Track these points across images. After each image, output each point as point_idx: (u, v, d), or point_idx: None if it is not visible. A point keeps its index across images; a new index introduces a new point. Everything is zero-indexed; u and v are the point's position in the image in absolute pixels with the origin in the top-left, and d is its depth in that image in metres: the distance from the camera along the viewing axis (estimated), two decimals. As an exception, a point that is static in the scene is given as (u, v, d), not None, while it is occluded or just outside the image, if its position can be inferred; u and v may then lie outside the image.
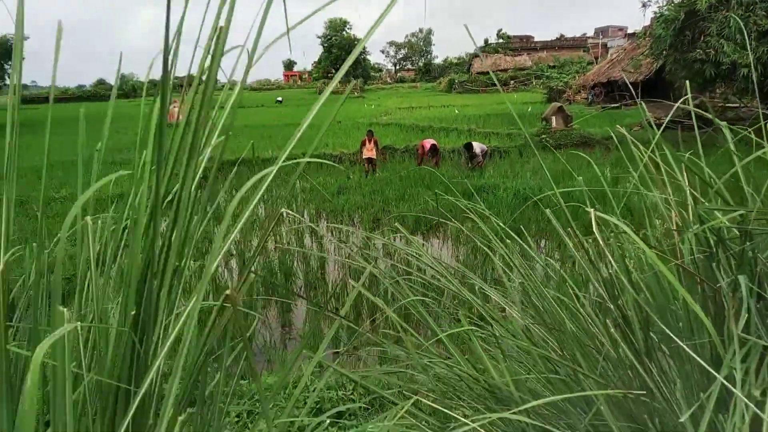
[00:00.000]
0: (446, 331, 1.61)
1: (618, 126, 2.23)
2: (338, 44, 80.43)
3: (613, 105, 30.98)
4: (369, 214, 10.28)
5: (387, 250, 8.38)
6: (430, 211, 9.98)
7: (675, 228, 1.42)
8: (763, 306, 1.13)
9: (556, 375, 1.33)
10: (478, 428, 0.98)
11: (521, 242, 2.35)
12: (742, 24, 14.73)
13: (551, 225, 1.96)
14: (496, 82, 2.12)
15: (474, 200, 10.65)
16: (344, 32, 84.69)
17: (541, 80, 47.12)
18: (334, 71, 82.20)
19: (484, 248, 2.50)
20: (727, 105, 20.75)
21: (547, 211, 1.97)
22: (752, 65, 14.39)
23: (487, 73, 62.23)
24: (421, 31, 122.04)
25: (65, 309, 0.90)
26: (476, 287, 2.42)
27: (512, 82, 58.20)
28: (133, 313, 0.96)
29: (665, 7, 16.56)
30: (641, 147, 1.66)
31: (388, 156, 16.70)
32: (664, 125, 1.67)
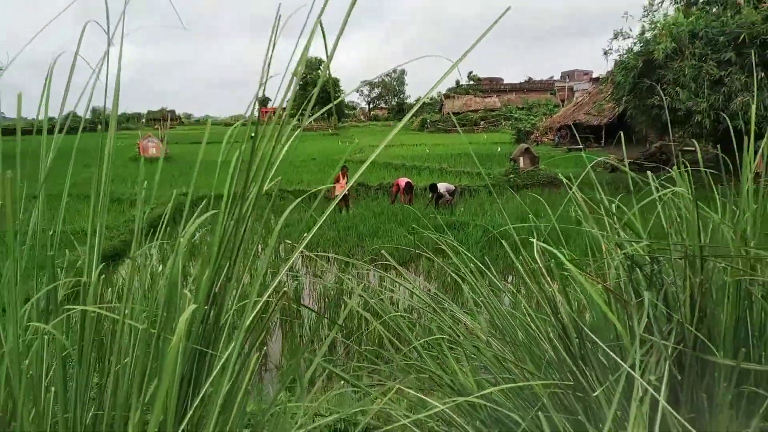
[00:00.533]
0: (421, 341, 1.89)
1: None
2: (313, 82, 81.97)
3: (577, 147, 32.18)
4: (343, 250, 10.53)
5: (361, 283, 8.62)
6: (404, 247, 10.29)
7: (605, 257, 1.74)
8: (665, 313, 1.44)
9: (509, 376, 1.61)
10: (447, 410, 1.25)
11: (489, 274, 2.64)
12: (695, 73, 15.75)
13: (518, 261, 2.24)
14: (456, 125, 2.44)
15: (445, 236, 11.04)
16: (319, 70, 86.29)
17: (510, 121, 48.57)
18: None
19: (456, 278, 2.77)
20: (684, 149, 21.85)
21: (504, 243, 2.28)
22: (706, 112, 15.34)
23: (458, 113, 63.86)
24: (395, 71, 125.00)
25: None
26: (447, 312, 2.70)
27: (482, 122, 59.76)
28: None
29: (625, 56, 17.59)
30: (577, 191, 1.99)
31: (362, 193, 17.07)
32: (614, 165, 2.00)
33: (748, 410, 1.33)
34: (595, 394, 1.28)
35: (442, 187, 14.74)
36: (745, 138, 1.78)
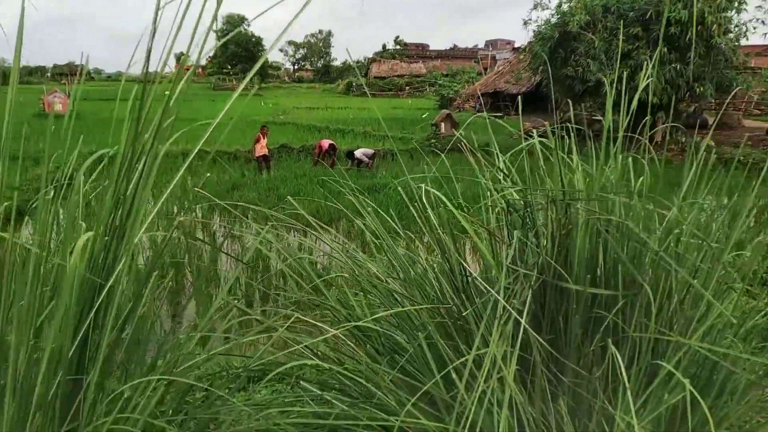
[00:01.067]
0: (321, 279, 2.03)
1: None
2: (235, 40, 78.55)
3: (496, 114, 33.10)
4: (263, 210, 10.47)
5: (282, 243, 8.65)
6: (325, 202, 10.37)
7: (489, 204, 1.93)
8: (534, 249, 1.65)
9: (401, 308, 1.79)
10: (340, 334, 1.39)
11: (398, 228, 2.78)
12: (606, 46, 16.58)
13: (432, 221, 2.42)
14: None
15: (366, 198, 11.18)
16: (242, 29, 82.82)
17: (434, 87, 49.08)
18: (229, 66, 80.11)
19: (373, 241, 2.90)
20: (594, 117, 23.07)
21: (412, 206, 2.42)
22: (613, 83, 16.22)
23: (385, 77, 63.70)
24: (320, 32, 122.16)
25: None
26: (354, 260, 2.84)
27: (407, 87, 60.04)
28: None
29: (543, 27, 18.19)
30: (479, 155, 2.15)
31: (285, 155, 16.87)
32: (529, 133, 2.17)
33: (595, 330, 1.57)
34: (464, 314, 1.46)
35: (359, 152, 14.84)
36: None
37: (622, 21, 16.69)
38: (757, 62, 23.81)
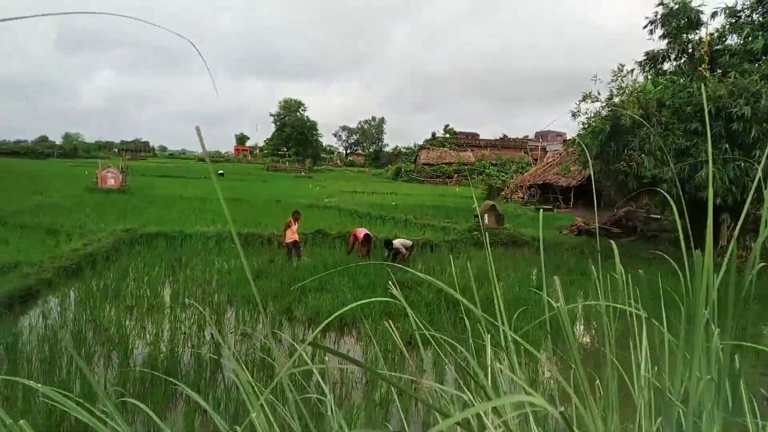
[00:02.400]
0: None
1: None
2: (291, 124, 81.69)
3: (546, 207, 32.09)
4: (283, 304, 9.66)
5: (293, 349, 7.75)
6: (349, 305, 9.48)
7: None
8: None
9: None
10: None
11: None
12: (661, 141, 15.62)
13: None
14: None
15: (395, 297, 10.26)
16: (298, 113, 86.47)
17: (482, 176, 48.76)
18: (285, 149, 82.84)
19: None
20: (650, 216, 21.70)
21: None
22: (672, 181, 15.13)
23: (433, 164, 64.16)
24: (374, 119, 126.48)
25: None
26: None
27: (456, 175, 60.04)
28: None
29: (592, 119, 17.47)
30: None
31: (319, 241, 16.27)
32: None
33: None
34: None
35: (397, 242, 14.07)
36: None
37: (677, 116, 15.83)
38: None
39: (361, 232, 14.53)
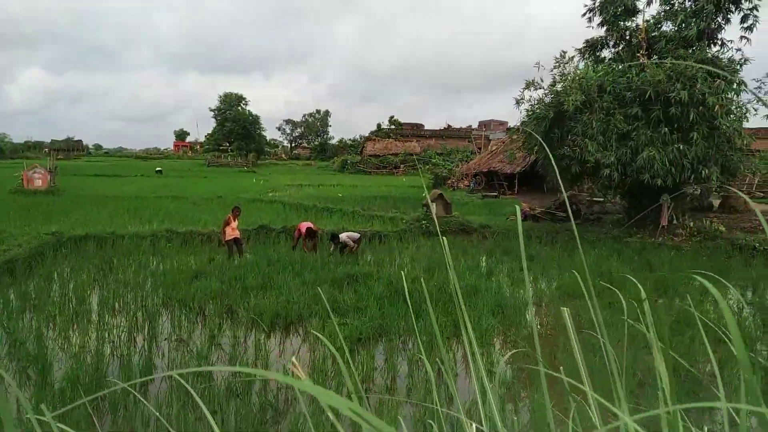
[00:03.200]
0: None
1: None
2: (232, 118, 79.39)
3: (492, 194, 32.29)
4: (223, 305, 9.03)
5: (233, 353, 7.17)
6: (293, 304, 8.94)
7: None
8: None
9: None
10: None
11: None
12: (604, 127, 15.75)
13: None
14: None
15: (343, 290, 9.73)
16: (239, 107, 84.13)
17: (428, 166, 48.79)
18: (227, 144, 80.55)
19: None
20: (593, 199, 22.06)
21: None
22: (614, 165, 15.27)
23: (379, 155, 63.81)
24: (318, 111, 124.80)
25: None
26: None
27: (402, 166, 59.92)
28: None
29: (536, 106, 17.45)
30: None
31: (262, 237, 15.58)
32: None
33: None
34: None
35: (344, 235, 13.58)
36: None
37: (618, 101, 15.99)
38: (756, 145, 23.13)
39: (304, 225, 13.95)
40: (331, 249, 13.51)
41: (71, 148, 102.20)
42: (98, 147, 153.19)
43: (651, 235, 16.32)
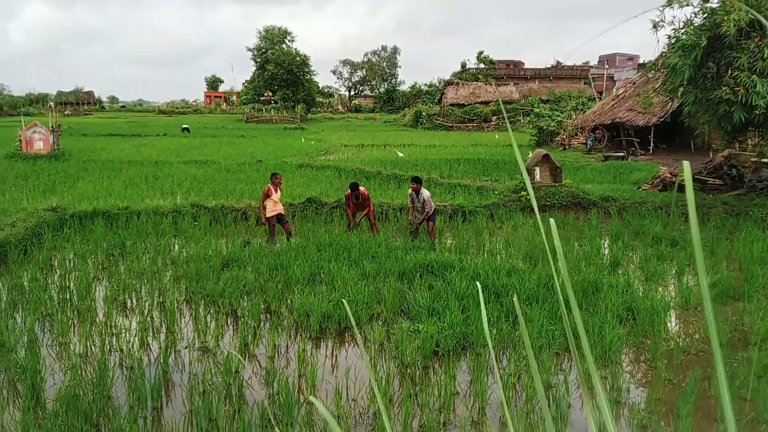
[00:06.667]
0: None
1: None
2: (275, 60, 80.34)
3: (617, 154, 31.10)
4: (259, 303, 9.06)
5: (270, 365, 7.15)
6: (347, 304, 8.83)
7: None
8: None
9: None
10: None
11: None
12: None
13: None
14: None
15: (415, 286, 9.54)
16: (284, 45, 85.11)
17: (529, 118, 47.65)
18: (269, 94, 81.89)
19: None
20: (762, 161, 20.70)
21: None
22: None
23: (464, 105, 63.02)
24: (384, 49, 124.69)
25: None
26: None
27: (494, 118, 58.90)
28: None
29: (682, 31, 16.39)
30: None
31: (311, 213, 15.63)
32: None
33: None
34: None
35: (426, 193, 12.93)
36: None
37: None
38: None
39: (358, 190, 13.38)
40: (411, 218, 13.21)
41: (80, 101, 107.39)
42: (113, 100, 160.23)
43: None
